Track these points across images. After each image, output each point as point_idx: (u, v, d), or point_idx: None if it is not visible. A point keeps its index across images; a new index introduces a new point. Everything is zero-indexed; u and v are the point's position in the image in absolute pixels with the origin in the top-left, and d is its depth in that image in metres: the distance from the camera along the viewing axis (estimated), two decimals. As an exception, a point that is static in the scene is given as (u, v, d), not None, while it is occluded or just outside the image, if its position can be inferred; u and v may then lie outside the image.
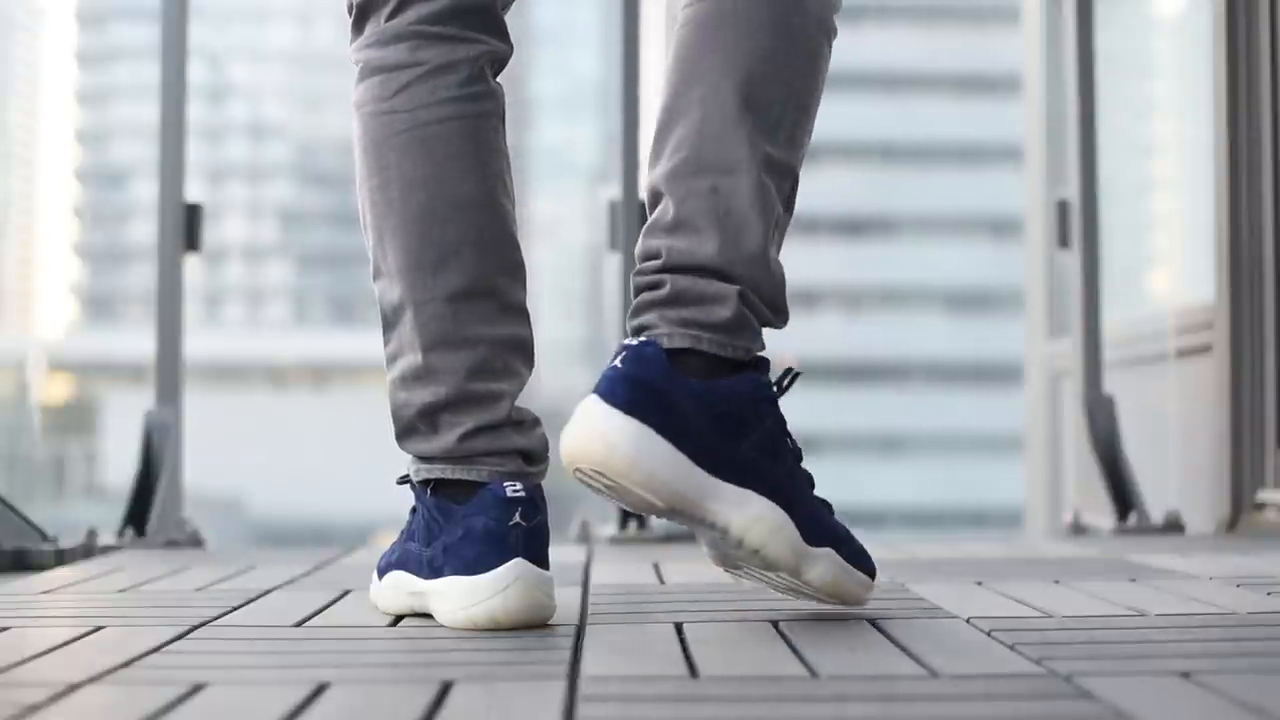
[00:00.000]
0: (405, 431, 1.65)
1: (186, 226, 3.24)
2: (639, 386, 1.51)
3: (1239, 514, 3.24)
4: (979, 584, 1.96)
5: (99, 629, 1.60)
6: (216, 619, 1.68)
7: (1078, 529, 3.37)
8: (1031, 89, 5.65)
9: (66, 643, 1.51)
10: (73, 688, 1.25)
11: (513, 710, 1.17)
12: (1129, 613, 1.68)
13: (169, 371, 3.19)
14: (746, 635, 1.53)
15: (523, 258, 1.67)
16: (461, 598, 1.56)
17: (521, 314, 1.65)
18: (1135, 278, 4.88)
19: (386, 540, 1.82)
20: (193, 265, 3.34)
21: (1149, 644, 1.46)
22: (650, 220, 1.61)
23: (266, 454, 40.37)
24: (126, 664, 1.37)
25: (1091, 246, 3.57)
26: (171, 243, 3.23)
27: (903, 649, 1.41)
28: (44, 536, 2.59)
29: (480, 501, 1.57)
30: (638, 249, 1.62)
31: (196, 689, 1.24)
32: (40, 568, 2.43)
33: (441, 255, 1.61)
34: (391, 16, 1.65)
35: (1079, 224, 3.57)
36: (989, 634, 1.50)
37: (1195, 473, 3.51)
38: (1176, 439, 3.72)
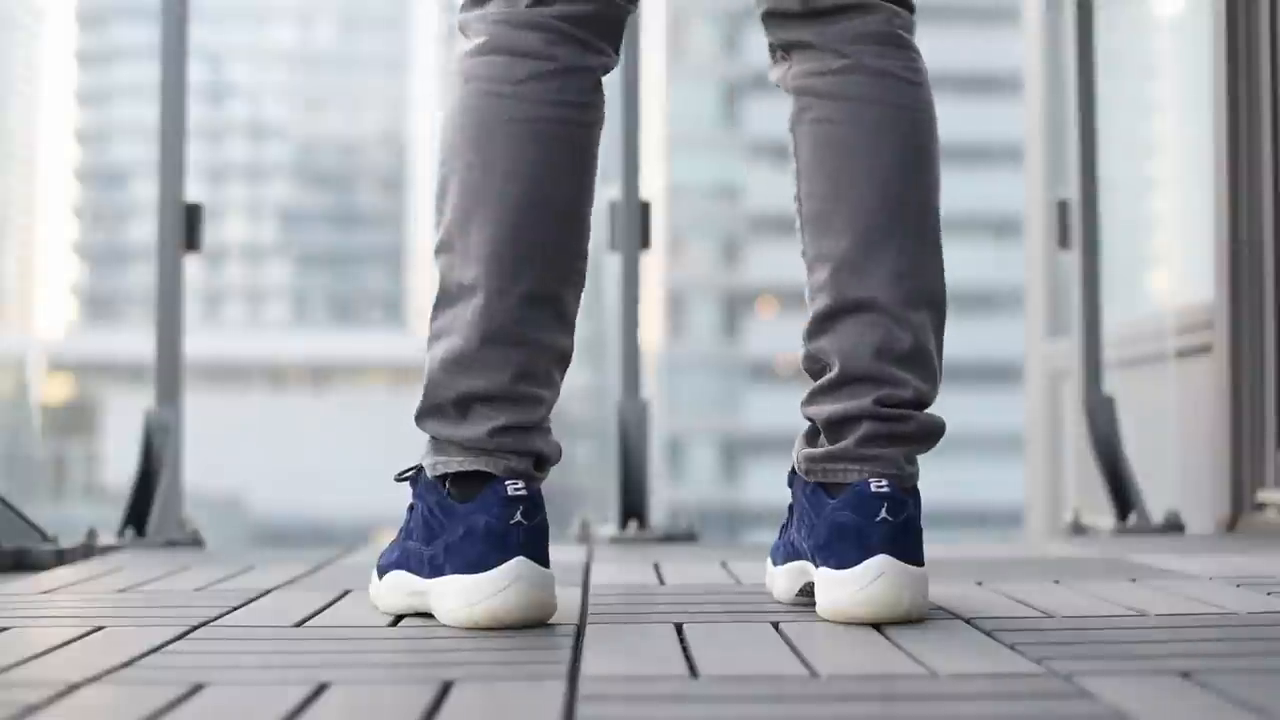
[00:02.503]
0: (432, 411, 1.64)
1: (186, 226, 3.24)
2: (914, 533, 1.62)
3: (1239, 514, 3.24)
4: (979, 584, 1.96)
5: (99, 629, 1.60)
6: (216, 619, 1.68)
7: (1078, 529, 3.37)
8: (1031, 89, 5.65)
9: (66, 643, 1.51)
10: (73, 688, 1.25)
11: (513, 710, 1.17)
12: (1129, 613, 1.68)
13: (169, 371, 3.19)
14: (746, 635, 1.53)
15: (586, 271, 1.68)
16: (463, 596, 1.56)
17: (571, 328, 1.67)
18: (1135, 278, 4.88)
19: (386, 540, 1.82)
20: (193, 265, 3.34)
21: (1149, 644, 1.46)
22: (879, 339, 1.65)
23: (266, 454, 40.34)
24: (126, 664, 1.37)
25: (1091, 246, 3.57)
26: (171, 243, 3.23)
27: (903, 649, 1.41)
28: (44, 536, 2.59)
29: (483, 500, 1.57)
30: (867, 368, 1.65)
31: (196, 689, 1.24)
32: (40, 568, 2.43)
33: (527, 254, 1.61)
34: (535, 3, 1.64)
35: (1079, 224, 3.57)
36: (989, 634, 1.51)
37: (1195, 473, 3.51)
38: (1176, 439, 3.72)
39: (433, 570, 1.61)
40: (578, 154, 1.64)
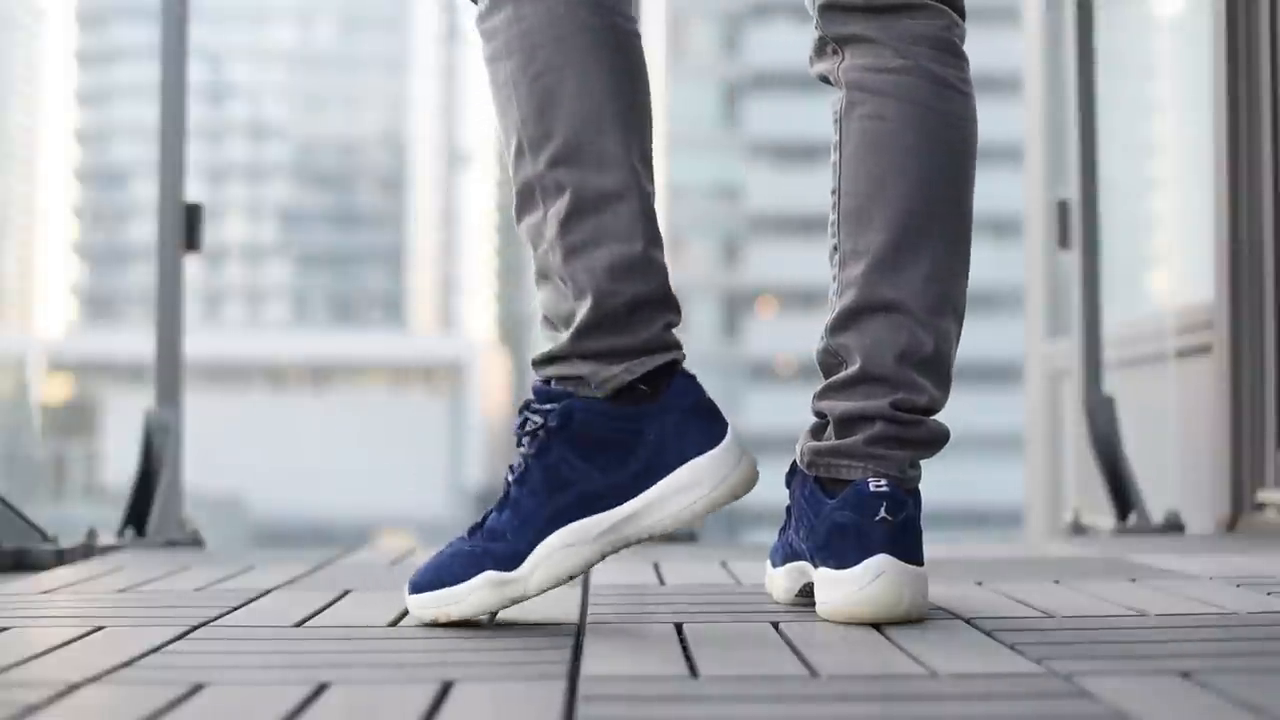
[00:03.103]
0: (600, 324, 1.60)
1: (186, 226, 3.24)
2: (914, 533, 1.62)
3: (1239, 514, 3.24)
4: (979, 584, 1.96)
5: (99, 629, 1.60)
6: (216, 619, 1.68)
7: (1078, 529, 3.37)
8: (1031, 89, 5.65)
9: (66, 643, 1.51)
10: (73, 688, 1.25)
11: (513, 710, 1.17)
12: (1129, 613, 1.68)
13: (169, 371, 3.19)
14: (746, 635, 1.53)
15: None
16: (710, 478, 1.59)
17: None
18: (1135, 278, 4.89)
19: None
20: (193, 265, 3.34)
21: (1149, 644, 1.47)
22: (905, 343, 1.65)
23: (266, 454, 40.37)
24: (126, 664, 1.37)
25: (1091, 246, 3.57)
26: (171, 243, 3.23)
27: (903, 649, 1.41)
28: (44, 536, 2.59)
29: (680, 389, 1.61)
30: (888, 370, 1.65)
31: (196, 689, 1.24)
32: (40, 568, 2.43)
33: (650, 157, 1.65)
34: None
35: (1079, 224, 3.57)
36: (989, 634, 1.51)
37: (1195, 473, 3.51)
38: (1176, 439, 3.72)
39: (631, 490, 1.59)
40: (643, 63, 1.68)
